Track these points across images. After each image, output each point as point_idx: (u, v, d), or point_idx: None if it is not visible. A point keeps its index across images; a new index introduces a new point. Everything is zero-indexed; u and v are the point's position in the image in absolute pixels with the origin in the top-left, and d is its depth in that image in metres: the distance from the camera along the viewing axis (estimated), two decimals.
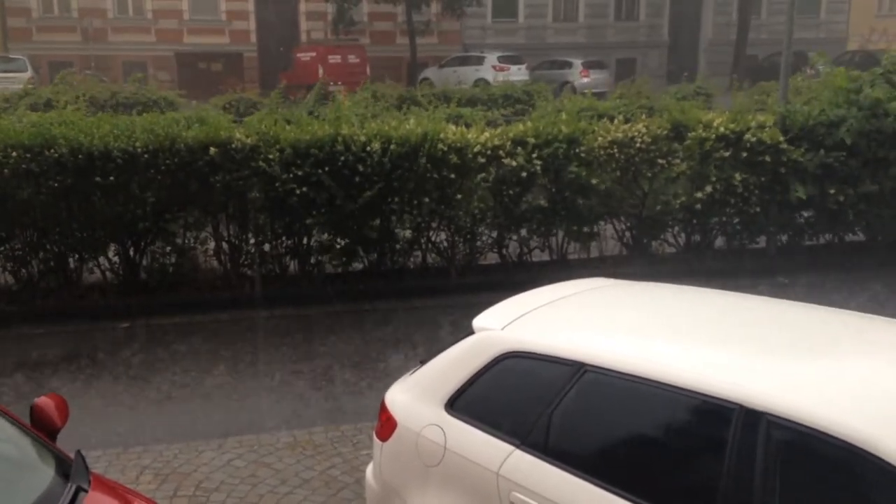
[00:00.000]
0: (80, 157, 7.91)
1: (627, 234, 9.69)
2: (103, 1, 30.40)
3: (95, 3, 30.21)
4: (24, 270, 8.39)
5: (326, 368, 7.03)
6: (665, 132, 9.22)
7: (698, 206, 9.22)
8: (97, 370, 6.97)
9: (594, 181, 8.89)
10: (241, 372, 6.96)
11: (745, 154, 9.18)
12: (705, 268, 9.23)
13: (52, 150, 7.88)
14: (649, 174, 9.17)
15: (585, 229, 9.28)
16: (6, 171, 7.81)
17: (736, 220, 9.72)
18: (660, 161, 9.10)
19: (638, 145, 9.01)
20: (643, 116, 9.91)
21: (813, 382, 2.97)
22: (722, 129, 9.17)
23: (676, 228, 9.84)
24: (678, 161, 9.15)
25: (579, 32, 34.90)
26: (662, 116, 9.86)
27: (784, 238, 10.07)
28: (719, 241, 10.01)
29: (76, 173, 7.94)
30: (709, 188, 9.14)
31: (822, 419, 2.66)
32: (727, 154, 9.15)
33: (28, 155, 7.85)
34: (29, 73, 24.99)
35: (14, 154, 7.81)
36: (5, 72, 24.85)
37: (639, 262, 9.37)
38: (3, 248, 8.31)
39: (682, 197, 9.20)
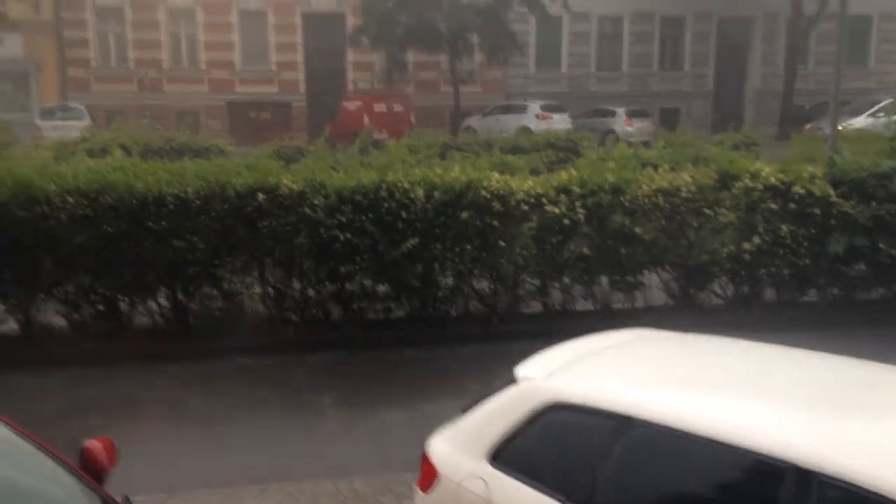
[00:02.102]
0: (133, 202, 8.12)
1: (673, 284, 9.56)
2: (159, 52, 31.59)
3: (151, 55, 31.40)
4: (76, 314, 8.57)
5: (369, 415, 7.01)
6: (711, 182, 9.15)
7: (746, 256, 9.06)
8: (146, 414, 7.04)
9: (637, 230, 8.84)
10: (285, 418, 6.98)
11: (793, 205, 9.05)
12: (754, 320, 9.02)
13: (107, 196, 8.10)
14: (695, 223, 9.07)
15: (629, 278, 9.20)
16: (63, 216, 8.05)
17: (785, 272, 9.52)
18: (706, 210, 9.02)
19: (683, 194, 8.95)
20: (689, 165, 9.84)
21: (866, 442, 2.89)
22: (771, 180, 9.06)
23: (724, 279, 9.68)
24: (725, 211, 9.06)
25: (622, 81, 35.03)
26: (709, 165, 9.80)
27: (835, 291, 9.83)
28: (769, 294, 9.80)
29: (130, 218, 8.14)
30: (756, 239, 8.99)
31: (876, 480, 2.58)
32: (775, 206, 9.04)
33: (84, 201, 8.08)
34: (87, 122, 25.92)
35: (70, 199, 8.05)
36: (64, 120, 25.82)
37: (685, 313, 9.19)
38: (56, 292, 8.52)
39: (729, 247, 9.07)
